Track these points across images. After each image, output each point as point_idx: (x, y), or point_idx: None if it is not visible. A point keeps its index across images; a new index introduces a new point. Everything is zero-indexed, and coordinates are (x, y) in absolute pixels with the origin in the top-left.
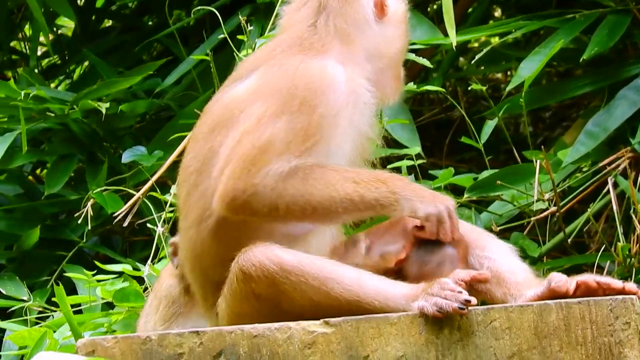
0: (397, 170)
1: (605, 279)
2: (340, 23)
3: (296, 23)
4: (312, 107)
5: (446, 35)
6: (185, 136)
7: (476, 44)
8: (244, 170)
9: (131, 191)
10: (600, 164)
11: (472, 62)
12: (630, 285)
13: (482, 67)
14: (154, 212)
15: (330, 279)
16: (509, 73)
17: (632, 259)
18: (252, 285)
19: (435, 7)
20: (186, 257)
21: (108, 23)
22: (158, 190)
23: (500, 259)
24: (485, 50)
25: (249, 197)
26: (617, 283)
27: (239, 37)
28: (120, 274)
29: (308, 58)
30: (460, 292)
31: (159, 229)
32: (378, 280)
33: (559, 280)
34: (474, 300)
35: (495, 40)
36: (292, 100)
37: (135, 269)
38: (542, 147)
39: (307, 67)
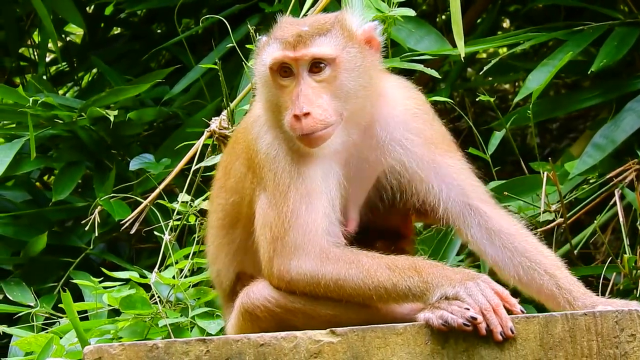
0: None
1: None
2: None
3: None
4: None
5: (454, 45)
6: (193, 144)
7: (484, 55)
8: (275, 256)
9: (138, 199)
10: (607, 176)
11: (480, 73)
12: None
13: (490, 78)
14: (161, 220)
15: (336, 315)
16: (517, 84)
17: (638, 271)
18: (260, 324)
19: (444, 17)
20: (207, 253)
21: (117, 31)
22: (165, 198)
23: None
24: (493, 62)
25: (289, 286)
26: None
27: (248, 46)
28: (127, 281)
29: None
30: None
31: (166, 237)
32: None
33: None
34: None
35: (504, 52)
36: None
37: (142, 276)
38: (550, 158)
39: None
